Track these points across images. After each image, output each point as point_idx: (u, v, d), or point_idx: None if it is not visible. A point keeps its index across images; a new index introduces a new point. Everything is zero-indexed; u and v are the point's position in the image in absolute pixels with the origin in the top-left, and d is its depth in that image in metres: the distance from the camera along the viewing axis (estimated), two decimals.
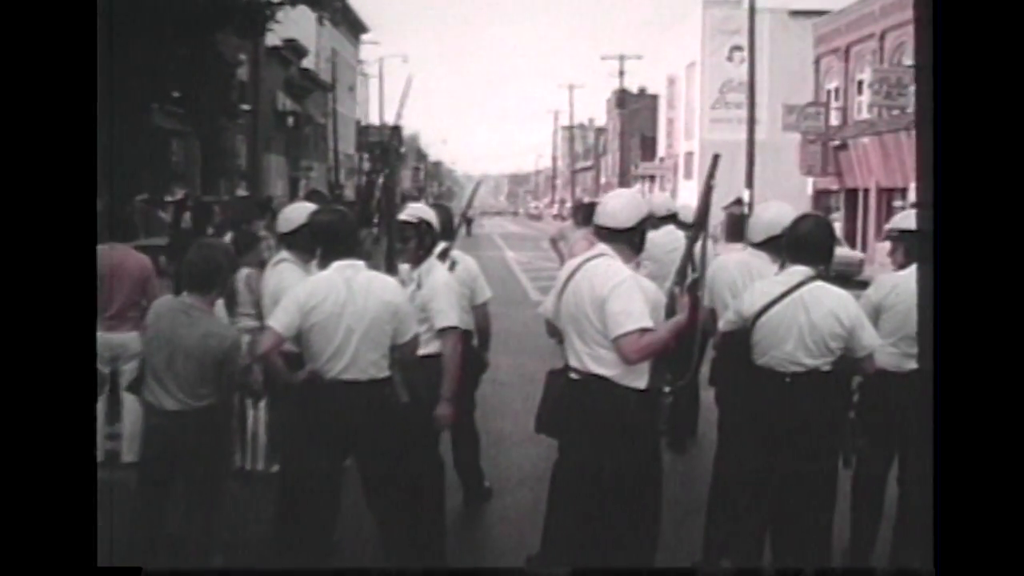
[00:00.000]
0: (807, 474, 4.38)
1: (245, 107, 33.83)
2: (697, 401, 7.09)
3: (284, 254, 5.79)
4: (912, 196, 23.17)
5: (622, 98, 65.10)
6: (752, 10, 29.53)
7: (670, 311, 4.21)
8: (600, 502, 4.26)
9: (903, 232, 4.91)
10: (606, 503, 4.25)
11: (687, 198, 27.50)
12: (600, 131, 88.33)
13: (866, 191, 30.41)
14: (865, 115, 30.54)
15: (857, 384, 4.63)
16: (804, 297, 4.41)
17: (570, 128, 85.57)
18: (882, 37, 29.92)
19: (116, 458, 6.47)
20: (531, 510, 5.40)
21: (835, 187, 32.25)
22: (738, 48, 41.84)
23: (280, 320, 4.31)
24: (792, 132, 32.93)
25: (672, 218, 7.61)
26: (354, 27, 60.31)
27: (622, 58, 62.24)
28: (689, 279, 4.38)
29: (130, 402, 6.16)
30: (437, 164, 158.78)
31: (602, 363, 4.18)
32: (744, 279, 5.08)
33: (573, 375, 4.28)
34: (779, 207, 5.20)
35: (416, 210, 5.23)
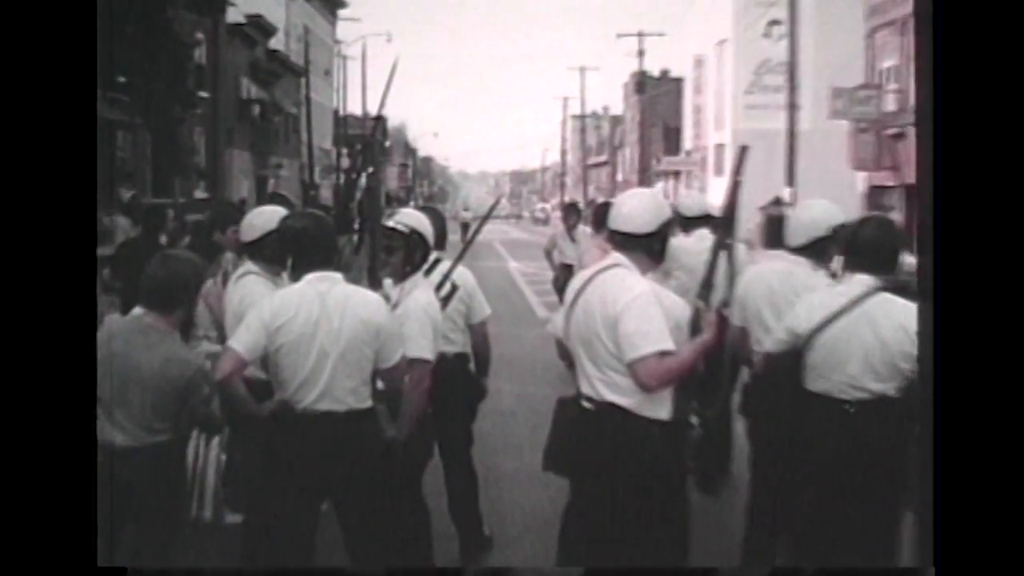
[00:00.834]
0: (868, 522, 4.36)
1: (203, 94, 33.97)
2: (730, 434, 7.10)
3: (249, 266, 5.81)
4: None
5: (641, 82, 65.26)
6: None
7: (695, 329, 4.22)
8: (617, 551, 4.26)
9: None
10: (624, 552, 4.25)
11: (717, 198, 27.43)
12: (616, 121, 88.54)
13: None
14: None
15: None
16: (870, 311, 4.41)
17: (581, 117, 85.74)
18: None
19: None
20: (538, 561, 5.41)
21: (892, 183, 32.21)
22: (776, 22, 41.88)
23: (242, 340, 4.32)
24: (840, 120, 32.94)
25: (706, 220, 7.60)
26: (330, 1, 60.55)
27: (641, 36, 62.38)
28: (718, 293, 4.39)
29: None
30: (427, 160, 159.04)
31: (617, 390, 4.20)
32: (786, 292, 5.08)
33: (585, 404, 4.30)
34: (823, 206, 5.22)
35: (406, 217, 5.21)
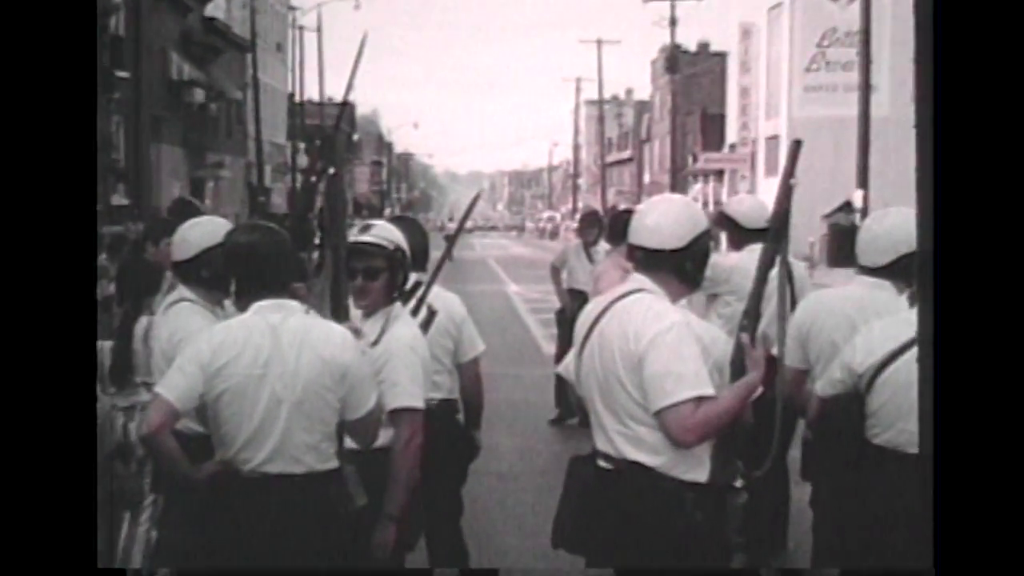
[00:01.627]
0: None
1: (122, 74, 33.97)
2: (786, 500, 7.12)
3: (182, 291, 5.83)
4: None
5: (674, 58, 65.29)
6: None
7: (738, 369, 4.25)
8: None
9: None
10: None
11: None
12: (642, 107, 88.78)
13: None
14: None
15: None
16: None
17: (599, 103, 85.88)
18: None
19: None
20: None
21: None
22: None
23: (174, 386, 4.32)
24: None
25: (765, 232, 7.55)
26: None
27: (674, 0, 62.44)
28: (769, 323, 4.42)
29: None
30: (406, 157, 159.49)
31: (643, 447, 4.22)
32: (862, 324, 5.05)
33: (603, 464, 4.32)
34: (907, 213, 5.16)
35: (381, 231, 5.23)
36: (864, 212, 26.57)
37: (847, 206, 32.84)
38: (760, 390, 4.23)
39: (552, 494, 4.51)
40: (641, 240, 4.40)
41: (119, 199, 32.00)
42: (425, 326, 5.32)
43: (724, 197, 48.18)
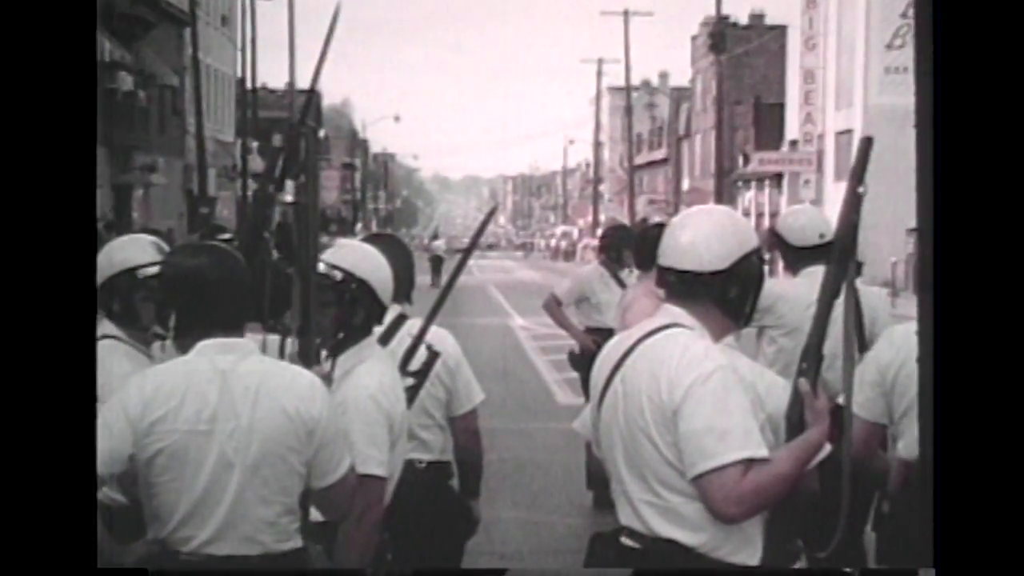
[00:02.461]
0: None
1: None
2: None
3: (106, 326, 5.86)
4: None
5: (720, 34, 65.06)
6: None
7: (796, 424, 4.24)
8: None
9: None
10: None
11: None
12: (680, 95, 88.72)
13: None
14: None
15: None
16: None
17: (626, 90, 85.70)
18: None
19: None
20: None
21: None
22: None
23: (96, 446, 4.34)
24: None
25: (825, 250, 7.58)
26: None
27: None
28: (830, 366, 4.44)
29: None
30: (385, 159, 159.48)
31: (678, 521, 4.23)
32: None
33: (628, 542, 4.34)
34: None
35: (334, 256, 5.25)
36: None
37: None
38: (826, 450, 4.23)
39: None
40: (673, 261, 4.41)
41: None
42: (424, 373, 5.35)
43: (783, 208, 48.01)
